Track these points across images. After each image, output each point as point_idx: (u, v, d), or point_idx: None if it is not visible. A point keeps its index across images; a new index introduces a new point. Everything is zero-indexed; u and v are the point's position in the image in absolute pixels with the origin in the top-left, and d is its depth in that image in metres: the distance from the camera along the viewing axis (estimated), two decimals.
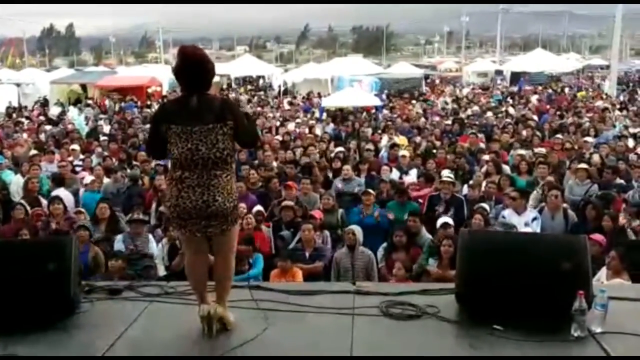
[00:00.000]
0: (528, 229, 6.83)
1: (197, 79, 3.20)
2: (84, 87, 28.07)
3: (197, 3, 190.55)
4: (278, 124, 16.35)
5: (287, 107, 22.15)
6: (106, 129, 16.27)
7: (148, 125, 16.15)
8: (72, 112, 20.64)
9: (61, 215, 7.45)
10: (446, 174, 8.51)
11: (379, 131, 14.74)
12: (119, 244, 6.97)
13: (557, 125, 15.09)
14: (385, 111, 19.75)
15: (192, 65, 3.19)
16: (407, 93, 26.85)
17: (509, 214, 7.25)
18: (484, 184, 8.56)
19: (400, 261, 6.26)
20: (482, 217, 6.71)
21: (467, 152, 11.07)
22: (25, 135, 15.14)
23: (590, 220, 6.96)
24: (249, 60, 38.25)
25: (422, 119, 17.19)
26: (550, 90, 28.10)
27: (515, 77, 34.00)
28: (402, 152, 10.93)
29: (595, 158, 9.99)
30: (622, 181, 8.88)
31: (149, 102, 24.45)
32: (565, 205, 7.53)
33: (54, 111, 22.03)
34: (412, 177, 9.75)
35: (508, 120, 16.45)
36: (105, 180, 9.60)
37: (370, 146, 11.79)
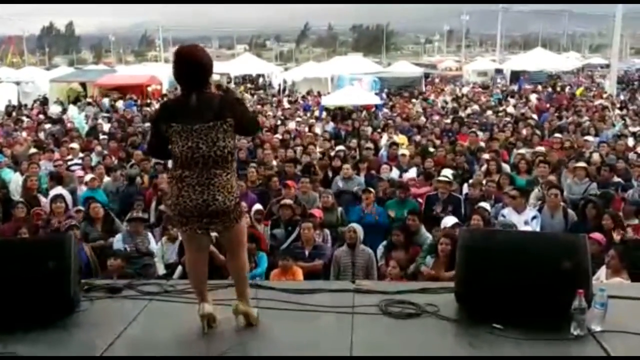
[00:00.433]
0: (528, 228, 6.84)
1: (194, 78, 3.19)
2: (83, 85, 28.07)
3: (197, 3, 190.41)
4: (279, 122, 16.35)
5: (286, 105, 22.16)
6: (106, 127, 16.26)
7: (147, 124, 16.28)
8: (72, 111, 20.64)
9: (63, 214, 7.45)
10: (445, 173, 8.51)
11: (379, 130, 14.75)
12: (118, 242, 6.98)
13: (556, 125, 15.09)
14: (385, 110, 19.76)
15: (187, 65, 3.19)
16: (407, 92, 26.86)
17: (508, 213, 7.26)
18: (484, 182, 8.56)
19: (398, 260, 6.25)
20: (481, 217, 6.69)
21: (467, 151, 11.07)
22: (24, 133, 15.14)
23: (590, 219, 6.95)
24: (248, 59, 38.25)
25: (422, 118, 17.20)
26: (549, 89, 28.08)
27: (515, 76, 34.01)
28: (401, 151, 10.94)
29: (595, 157, 9.99)
30: (619, 179, 8.90)
31: (148, 101, 24.45)
32: (564, 204, 7.53)
33: (53, 110, 22.02)
34: (411, 175, 9.74)
35: (508, 119, 16.45)
36: (106, 179, 9.61)
37: (370, 145, 11.79)
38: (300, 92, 28.21)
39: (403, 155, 10.61)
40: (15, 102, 24.84)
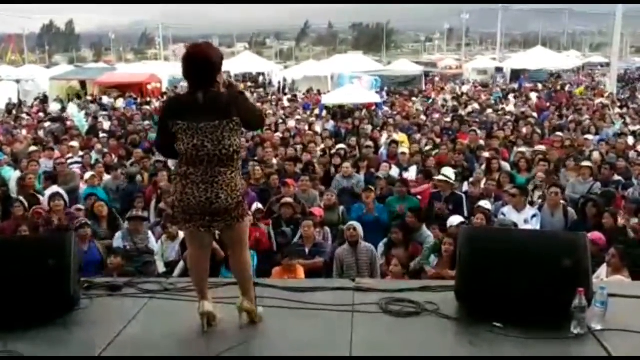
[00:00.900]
0: (528, 226, 6.84)
1: (201, 76, 3.19)
2: (83, 83, 28.05)
3: (197, 3, 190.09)
4: (281, 121, 16.33)
5: (286, 104, 22.14)
6: (106, 125, 16.26)
7: (147, 122, 16.30)
8: (72, 109, 20.63)
9: (62, 212, 7.45)
10: (446, 172, 8.50)
11: (379, 128, 14.74)
12: (118, 240, 6.98)
13: (556, 124, 15.09)
14: (385, 108, 19.74)
15: (195, 63, 3.18)
16: (407, 90, 26.83)
17: (508, 211, 7.27)
18: (483, 181, 8.56)
19: (398, 257, 6.26)
20: (485, 216, 6.69)
21: (467, 150, 11.07)
22: (24, 131, 15.13)
23: (590, 218, 6.96)
24: (248, 57, 38.19)
25: (423, 117, 17.19)
26: (550, 88, 28.06)
27: (516, 74, 33.98)
28: (401, 149, 10.93)
29: (596, 156, 10.00)
30: (620, 178, 8.90)
31: (148, 99, 24.44)
32: (564, 202, 7.53)
33: (53, 108, 22.02)
34: (411, 174, 9.75)
35: (508, 117, 16.45)
36: (106, 177, 9.60)
37: (370, 143, 11.79)
38: (300, 91, 28.19)
39: (403, 153, 10.61)
40: (15, 100, 24.84)
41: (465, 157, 10.39)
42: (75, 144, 12.01)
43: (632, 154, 10.58)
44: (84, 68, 36.55)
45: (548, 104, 20.44)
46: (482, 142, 11.93)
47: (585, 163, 8.84)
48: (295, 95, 26.51)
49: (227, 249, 3.50)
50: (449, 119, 15.62)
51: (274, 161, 10.56)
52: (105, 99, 23.89)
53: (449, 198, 7.90)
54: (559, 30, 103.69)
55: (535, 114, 17.43)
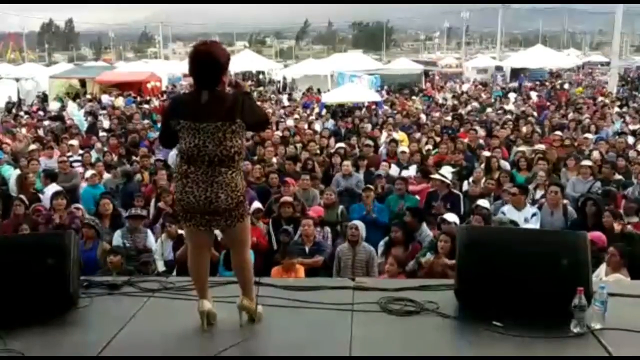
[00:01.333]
0: (528, 225, 6.83)
1: (206, 75, 3.17)
2: (82, 82, 28.03)
3: (197, 2, 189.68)
4: (281, 119, 16.30)
5: (286, 102, 22.12)
6: (106, 124, 16.25)
7: (147, 121, 16.30)
8: (71, 107, 20.61)
9: (63, 210, 7.44)
10: (444, 171, 8.50)
11: (378, 127, 14.73)
12: (117, 239, 6.97)
13: (556, 123, 15.07)
14: (385, 107, 19.72)
15: (201, 62, 3.17)
16: (407, 89, 26.80)
17: (508, 210, 7.26)
18: (483, 180, 8.56)
19: (398, 257, 6.24)
20: (482, 217, 6.66)
21: (466, 148, 11.06)
22: (24, 130, 15.11)
23: (590, 217, 6.95)
24: (248, 55, 38.12)
25: (423, 115, 17.18)
26: (549, 87, 28.05)
27: (515, 73, 33.95)
28: (401, 148, 10.93)
29: (595, 154, 9.99)
30: (620, 177, 8.89)
31: (147, 98, 24.42)
32: (565, 201, 7.53)
33: (53, 106, 22.00)
34: (411, 172, 9.74)
35: (508, 116, 16.43)
36: (106, 175, 9.59)
37: (370, 142, 11.78)
38: (300, 89, 28.16)
39: (403, 152, 10.60)
40: (15, 99, 24.82)
41: (465, 156, 10.39)
42: (75, 142, 12.00)
43: (631, 153, 10.58)
44: (84, 66, 36.54)
45: (548, 103, 20.42)
46: (482, 141, 11.93)
47: (586, 162, 8.84)
48: (290, 95, 26.50)
49: (228, 248, 3.50)
50: (449, 118, 15.61)
51: (274, 160, 10.55)
52: (105, 98, 23.84)
53: (446, 197, 7.90)
54: (559, 29, 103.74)
55: (535, 113, 17.42)
